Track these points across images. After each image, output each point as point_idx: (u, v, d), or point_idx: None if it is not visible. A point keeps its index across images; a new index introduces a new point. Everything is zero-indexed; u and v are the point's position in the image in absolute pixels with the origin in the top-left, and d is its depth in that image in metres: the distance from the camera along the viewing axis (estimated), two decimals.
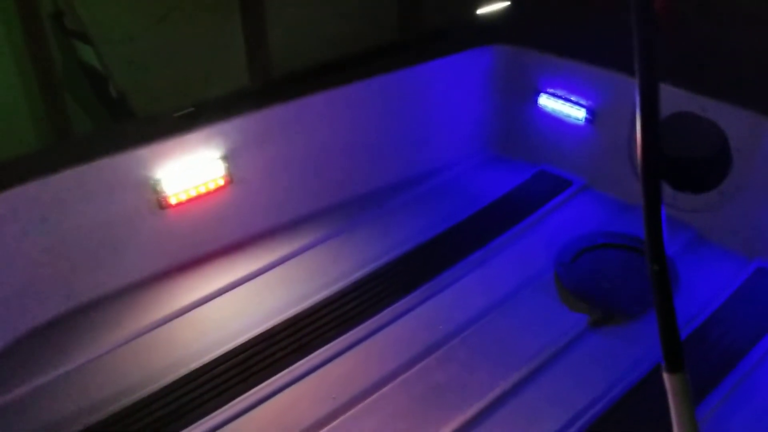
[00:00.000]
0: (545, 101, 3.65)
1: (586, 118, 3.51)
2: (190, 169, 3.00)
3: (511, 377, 2.56)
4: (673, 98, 3.14)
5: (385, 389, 2.54)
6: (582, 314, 2.83)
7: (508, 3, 3.95)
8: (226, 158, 3.06)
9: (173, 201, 3.00)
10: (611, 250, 3.15)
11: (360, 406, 2.48)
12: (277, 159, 3.28)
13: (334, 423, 2.42)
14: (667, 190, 3.33)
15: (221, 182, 3.08)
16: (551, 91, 3.63)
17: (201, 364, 2.64)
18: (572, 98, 3.55)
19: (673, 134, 3.22)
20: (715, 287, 2.92)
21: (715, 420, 2.36)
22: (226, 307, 2.95)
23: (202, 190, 3.05)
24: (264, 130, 3.19)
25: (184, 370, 2.62)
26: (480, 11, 3.92)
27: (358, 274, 3.05)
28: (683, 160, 3.28)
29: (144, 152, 2.92)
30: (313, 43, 4.30)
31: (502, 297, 2.93)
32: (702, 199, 3.21)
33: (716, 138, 3.08)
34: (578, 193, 3.56)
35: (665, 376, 1.01)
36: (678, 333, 0.98)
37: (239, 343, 2.72)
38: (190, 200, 3.05)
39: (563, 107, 3.58)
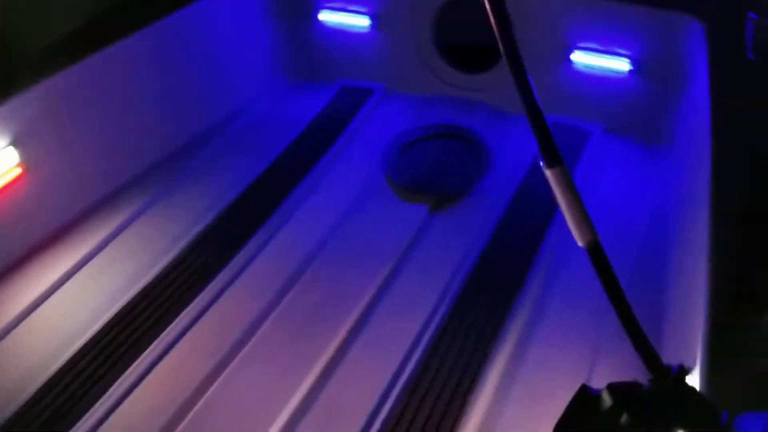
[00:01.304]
0: (326, 16, 3.67)
1: (370, 25, 3.60)
2: None
3: (378, 279, 2.67)
4: None
5: (264, 326, 2.53)
6: (421, 204, 2.99)
7: None
8: (16, 144, 2.73)
9: None
10: (428, 142, 3.33)
11: (245, 349, 2.46)
12: (71, 136, 2.99)
13: (223, 375, 2.38)
14: (458, 75, 3.57)
15: (17, 172, 2.76)
16: (330, 5, 3.66)
17: (63, 363, 2.42)
18: (351, 8, 3.62)
19: (446, 21, 3.44)
20: (522, 153, 3.22)
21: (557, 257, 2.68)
22: (67, 299, 2.70)
23: None
24: (49, 106, 2.88)
25: (44, 376, 2.39)
26: None
27: (196, 230, 2.94)
28: (467, 43, 3.51)
29: None
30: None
31: (345, 211, 3.01)
32: (493, 74, 3.47)
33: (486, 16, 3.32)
34: (382, 99, 3.68)
35: (547, 172, 1.10)
36: (550, 133, 1.09)
37: (96, 331, 2.53)
38: None
39: (346, 18, 3.64)
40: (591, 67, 3.20)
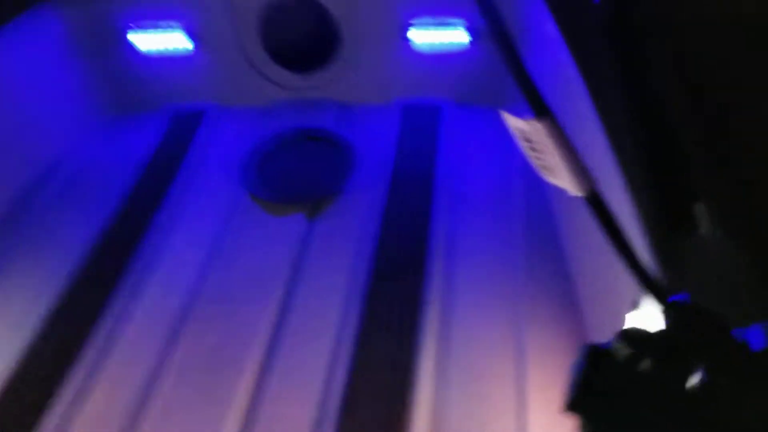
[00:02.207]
0: (138, 39, 3.29)
1: (189, 41, 3.30)
2: None
3: (273, 302, 2.44)
4: None
5: (159, 389, 2.20)
6: (296, 214, 2.77)
7: None
8: None
9: None
10: (285, 150, 3.11)
11: (144, 422, 2.10)
12: None
13: None
14: (296, 77, 3.38)
15: None
16: (138, 23, 3.28)
17: None
18: (163, 24, 3.28)
19: (272, 24, 3.24)
20: (382, 140, 3.11)
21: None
22: None
23: None
24: None
25: None
26: None
27: (39, 309, 2.48)
28: (299, 43, 3.34)
29: None
30: None
31: (214, 242, 2.71)
32: (332, 69, 3.33)
33: (316, 11, 3.18)
34: (219, 117, 3.39)
35: (536, 125, 0.99)
36: (536, 87, 0.96)
37: None
38: None
39: (161, 38, 3.29)
40: (430, 44, 3.15)
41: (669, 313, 1.02)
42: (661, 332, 1.01)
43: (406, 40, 3.16)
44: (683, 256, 1.64)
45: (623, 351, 1.00)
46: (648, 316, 1.42)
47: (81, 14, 3.21)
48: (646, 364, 0.99)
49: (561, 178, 1.01)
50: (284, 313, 2.40)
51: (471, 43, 3.11)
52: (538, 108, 0.99)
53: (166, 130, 3.32)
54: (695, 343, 1.01)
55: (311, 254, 2.62)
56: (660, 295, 1.07)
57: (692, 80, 1.74)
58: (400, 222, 2.69)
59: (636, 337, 1.00)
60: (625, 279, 1.83)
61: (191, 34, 3.28)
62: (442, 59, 3.20)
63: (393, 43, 3.19)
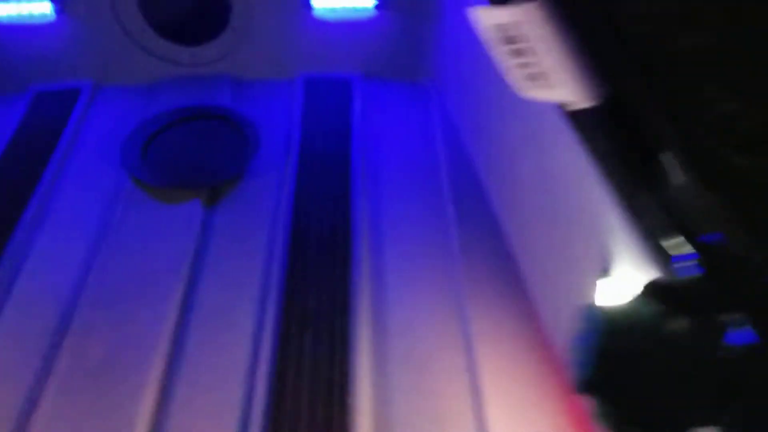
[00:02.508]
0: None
1: (55, 11, 2.86)
2: None
3: (172, 301, 2.11)
4: None
5: (39, 411, 1.80)
6: (191, 201, 2.42)
7: None
8: None
9: None
10: (173, 130, 2.73)
11: None
12: None
13: None
14: (183, 50, 3.01)
15: None
16: None
17: None
18: None
19: None
20: (284, 117, 2.81)
21: None
22: None
23: None
24: None
25: None
26: None
27: None
28: (184, 12, 2.98)
29: None
30: None
31: (94, 237, 2.34)
32: (223, 41, 2.98)
33: None
34: (95, 96, 2.97)
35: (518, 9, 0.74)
36: None
37: None
38: None
39: (20, 8, 2.83)
40: (334, 11, 2.87)
41: (704, 257, 0.79)
42: (695, 281, 0.78)
43: (307, 6, 2.87)
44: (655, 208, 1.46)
45: (649, 309, 0.77)
46: (622, 281, 1.22)
47: None
48: (680, 324, 0.75)
49: (560, 85, 0.75)
50: (187, 312, 2.06)
51: (377, 8, 2.85)
52: None
53: (30, 111, 2.86)
54: (739, 294, 0.79)
55: (212, 245, 2.30)
56: (689, 235, 0.84)
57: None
58: (315, 206, 2.40)
59: (668, 289, 0.77)
60: (574, 251, 1.63)
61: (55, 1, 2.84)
62: (347, 28, 2.93)
63: (291, 9, 2.89)
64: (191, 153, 2.64)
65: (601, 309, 0.87)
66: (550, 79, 0.78)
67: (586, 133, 1.48)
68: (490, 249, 2.21)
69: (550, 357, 1.83)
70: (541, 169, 1.90)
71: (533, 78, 0.80)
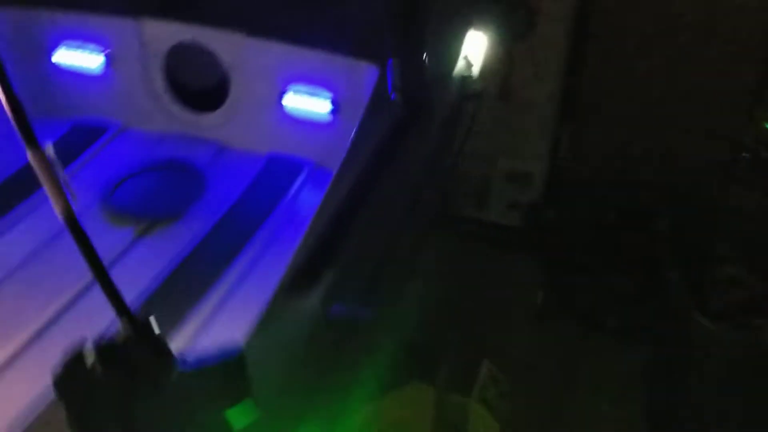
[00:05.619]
0: (61, 56, 3.77)
1: (104, 65, 3.75)
2: None
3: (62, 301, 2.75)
4: (170, 32, 3.58)
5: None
6: (128, 228, 3.13)
7: None
8: None
9: None
10: (144, 172, 3.51)
11: None
12: None
13: None
14: (186, 115, 3.80)
15: None
16: (67, 43, 3.76)
17: None
18: (89, 47, 3.75)
19: (178, 64, 3.68)
20: (238, 182, 3.48)
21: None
22: None
23: None
24: None
25: None
26: None
27: None
28: (198, 84, 3.76)
29: None
30: None
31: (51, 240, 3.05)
32: (219, 114, 3.73)
33: (212, 61, 3.61)
34: (115, 136, 3.81)
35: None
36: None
37: None
38: None
39: (80, 58, 3.76)
40: (298, 110, 3.55)
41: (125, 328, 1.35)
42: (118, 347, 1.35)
43: (281, 105, 3.56)
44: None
45: (90, 358, 1.34)
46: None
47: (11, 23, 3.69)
48: (102, 371, 1.32)
49: None
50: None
51: (332, 112, 3.48)
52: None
53: (63, 137, 3.74)
54: (141, 357, 1.35)
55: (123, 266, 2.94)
56: (120, 308, 1.38)
57: None
58: (204, 253, 3.02)
59: (104, 348, 1.34)
60: None
61: (108, 57, 3.75)
62: (307, 125, 3.57)
63: (270, 104, 3.57)
64: (151, 193, 3.39)
65: None
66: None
67: None
68: None
69: None
70: None
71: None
